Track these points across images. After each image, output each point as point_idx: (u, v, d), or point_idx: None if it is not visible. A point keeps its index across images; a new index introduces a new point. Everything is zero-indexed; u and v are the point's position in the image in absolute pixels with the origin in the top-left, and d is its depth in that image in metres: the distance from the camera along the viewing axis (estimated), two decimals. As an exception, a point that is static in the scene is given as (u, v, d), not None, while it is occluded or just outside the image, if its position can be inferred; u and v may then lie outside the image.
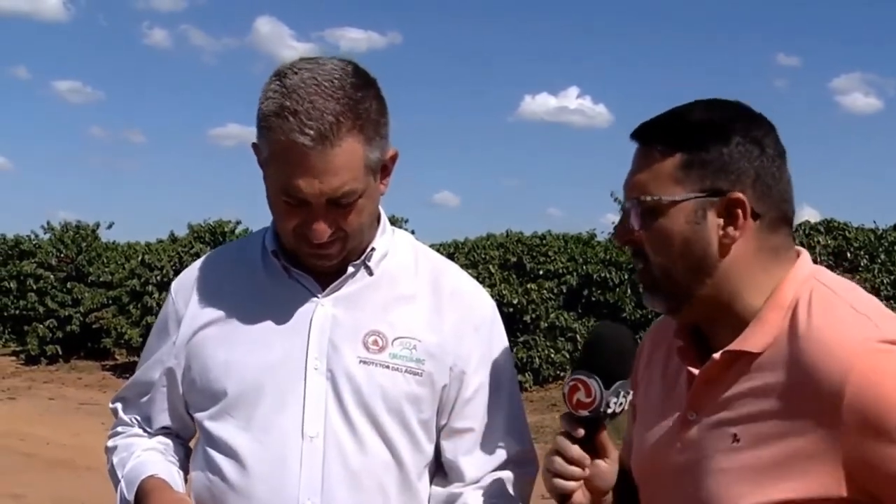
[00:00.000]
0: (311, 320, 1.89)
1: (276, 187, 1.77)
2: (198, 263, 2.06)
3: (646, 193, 1.60)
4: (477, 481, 1.94)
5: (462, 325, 1.94)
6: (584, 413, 1.69)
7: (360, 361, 1.86)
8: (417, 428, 1.91)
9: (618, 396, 1.69)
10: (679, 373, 1.71)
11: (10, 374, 17.21)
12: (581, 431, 1.70)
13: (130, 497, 1.90)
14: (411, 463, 1.91)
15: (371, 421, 1.86)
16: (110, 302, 17.95)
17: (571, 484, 1.71)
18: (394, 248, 1.98)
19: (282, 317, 1.90)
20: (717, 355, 1.61)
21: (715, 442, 1.60)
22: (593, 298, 15.78)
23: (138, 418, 2.06)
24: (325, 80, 1.72)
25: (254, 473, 1.84)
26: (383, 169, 1.85)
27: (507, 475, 1.95)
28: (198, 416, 1.95)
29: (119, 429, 2.09)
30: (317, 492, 1.82)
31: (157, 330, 2.04)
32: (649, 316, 15.78)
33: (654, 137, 1.63)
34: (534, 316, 14.74)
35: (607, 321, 1.92)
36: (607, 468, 1.75)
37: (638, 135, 1.66)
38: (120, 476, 1.97)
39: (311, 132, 1.69)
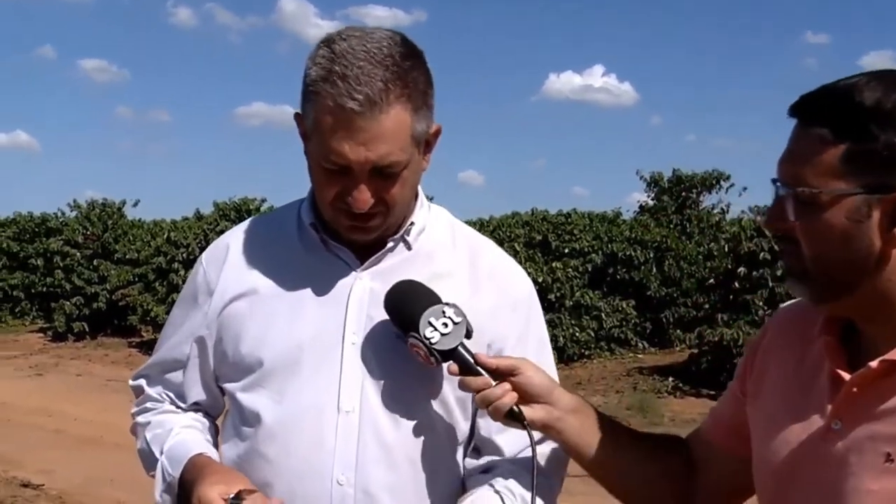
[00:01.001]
0: (349, 294, 1.87)
1: (321, 154, 1.74)
2: (229, 234, 2.02)
3: (803, 184, 1.44)
4: (511, 455, 1.93)
5: (499, 304, 1.92)
6: (433, 359, 1.76)
7: (397, 336, 1.83)
8: (454, 405, 1.89)
9: (431, 326, 1.75)
10: (819, 370, 1.57)
11: (38, 351, 17.38)
12: (454, 367, 1.76)
13: (175, 474, 1.85)
14: (446, 440, 1.90)
15: (407, 397, 1.84)
16: (136, 279, 18.07)
17: (504, 400, 1.72)
18: (431, 223, 1.95)
19: (319, 290, 1.88)
20: (874, 364, 1.45)
21: (864, 459, 1.44)
22: (618, 277, 15.76)
23: (169, 394, 2.01)
24: (374, 48, 1.70)
25: (287, 447, 1.82)
26: (426, 144, 1.83)
27: (542, 448, 1.91)
28: (229, 388, 1.92)
29: (148, 405, 2.03)
30: (351, 467, 1.80)
31: (184, 302, 2.00)
32: (674, 294, 15.74)
33: (818, 118, 1.44)
34: (559, 294, 14.72)
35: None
36: (522, 378, 1.75)
37: (798, 111, 1.48)
38: (158, 454, 1.92)
39: (360, 97, 1.67)
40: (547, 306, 14.29)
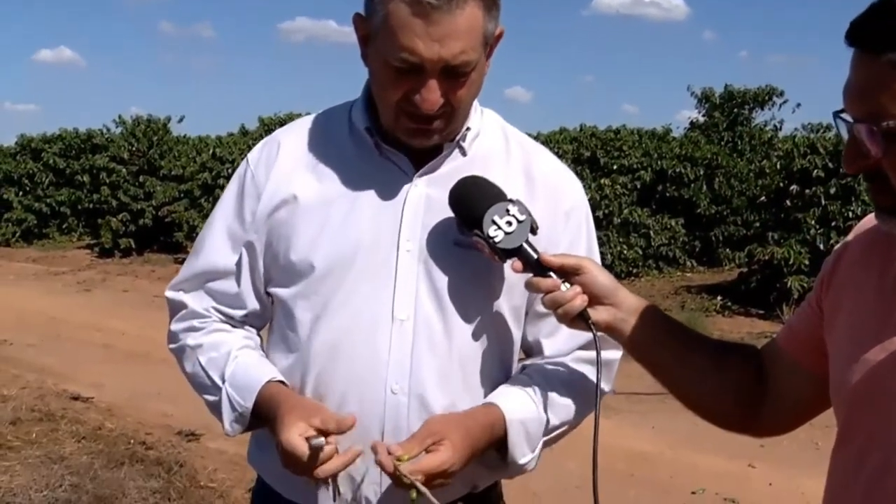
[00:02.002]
0: (404, 200, 1.83)
1: (389, 52, 1.67)
2: (277, 136, 1.95)
3: (885, 116, 1.34)
4: (556, 356, 1.94)
5: (554, 211, 1.89)
6: (496, 257, 1.76)
7: (455, 243, 1.82)
8: (508, 314, 1.88)
9: (495, 224, 1.74)
10: None
11: (86, 267, 17.67)
12: (518, 265, 1.75)
13: (248, 405, 1.81)
14: (498, 349, 1.89)
15: (462, 305, 1.83)
16: (182, 195, 18.22)
17: (576, 303, 1.72)
18: (484, 128, 1.91)
19: (373, 195, 1.84)
20: None
21: None
22: (667, 194, 15.60)
23: (217, 307, 1.94)
24: None
25: (340, 357, 1.80)
26: (490, 47, 1.78)
27: (589, 354, 1.92)
28: (279, 294, 1.87)
29: (195, 323, 1.94)
30: (405, 376, 1.80)
31: (229, 206, 1.93)
32: (724, 212, 15.59)
33: (884, 43, 1.33)
34: (607, 212, 14.63)
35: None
36: (587, 278, 1.74)
37: (858, 39, 1.36)
38: (219, 380, 1.86)
39: None
40: (595, 223, 14.23)
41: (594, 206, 14.58)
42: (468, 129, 1.86)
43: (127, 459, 5.98)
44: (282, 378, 1.84)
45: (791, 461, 6.08)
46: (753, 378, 1.77)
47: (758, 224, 13.07)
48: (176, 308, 1.98)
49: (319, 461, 1.65)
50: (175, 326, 1.97)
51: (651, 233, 14.98)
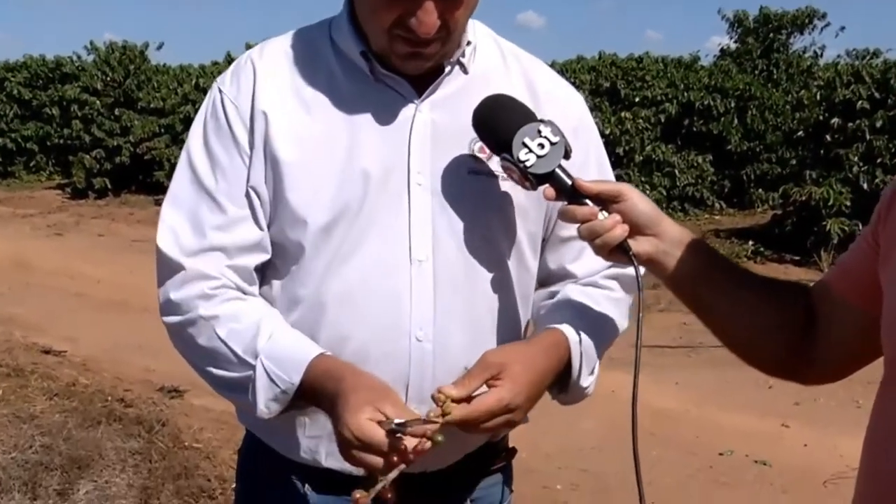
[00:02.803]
0: (410, 128, 1.82)
1: None
2: (251, 61, 1.88)
3: None
4: (589, 276, 1.97)
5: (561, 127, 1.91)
6: (528, 182, 1.75)
7: (469, 172, 1.82)
8: (526, 244, 1.90)
9: (525, 147, 1.72)
10: None
11: (57, 209, 17.68)
12: (550, 191, 1.75)
13: (294, 380, 1.72)
14: (520, 283, 1.92)
15: (482, 238, 1.85)
16: (162, 130, 18.17)
17: (615, 232, 1.71)
18: (479, 42, 1.91)
19: (375, 126, 1.81)
20: None
21: None
22: (694, 129, 15.54)
23: (231, 264, 1.83)
24: None
25: (356, 306, 1.79)
26: None
27: (618, 272, 1.96)
28: (283, 242, 1.84)
29: (207, 289, 1.81)
30: (428, 321, 1.81)
31: (217, 146, 1.85)
32: (757, 149, 15.53)
33: None
34: (627, 148, 14.60)
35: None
36: (626, 205, 1.74)
37: None
38: (248, 355, 1.77)
39: None
40: (615, 161, 14.19)
41: (614, 142, 14.56)
42: (468, 43, 1.85)
43: (104, 418, 5.98)
44: (327, 353, 1.76)
45: (828, 420, 6.13)
46: (804, 318, 1.77)
47: (794, 161, 13.04)
48: (173, 269, 1.83)
49: (397, 450, 1.57)
50: (179, 294, 1.82)
51: (676, 172, 14.95)
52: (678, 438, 6.06)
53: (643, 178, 14.57)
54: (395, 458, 1.56)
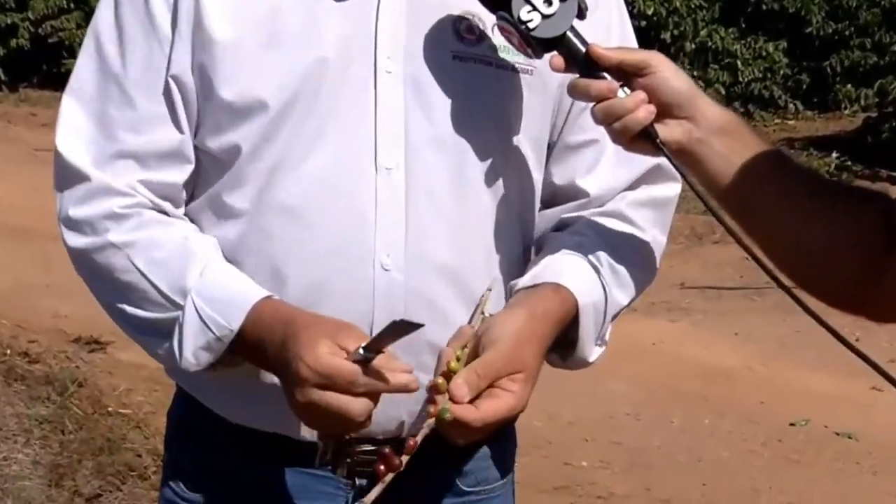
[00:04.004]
0: (377, 4, 1.81)
1: None
2: None
3: None
4: (600, 201, 1.95)
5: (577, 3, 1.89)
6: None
7: (454, 57, 1.82)
8: (527, 149, 1.89)
9: (528, 4, 1.71)
10: None
11: (-63, 108, 17.59)
12: (558, 60, 1.74)
13: (233, 325, 1.74)
14: (516, 200, 1.92)
15: (469, 140, 1.84)
16: (71, 5, 18.06)
17: (638, 115, 1.70)
18: None
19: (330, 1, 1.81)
20: None
21: None
22: (764, 7, 15.46)
23: (146, 179, 1.83)
24: None
25: (305, 226, 1.80)
26: None
27: (646, 194, 1.95)
28: (212, 146, 1.84)
29: (116, 207, 1.81)
30: (398, 244, 1.81)
31: (132, 28, 1.83)
32: (846, 33, 15.44)
33: None
34: (676, 33, 14.54)
35: None
36: (655, 80, 1.73)
37: None
38: (174, 292, 1.78)
39: None
40: (660, 49, 14.12)
41: (659, 26, 14.48)
42: None
43: (2, 377, 6.03)
44: (275, 296, 1.78)
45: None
46: (884, 237, 1.75)
47: (894, 48, 12.97)
48: (74, 177, 1.84)
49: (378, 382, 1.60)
50: (80, 211, 1.83)
51: (739, 63, 14.91)
52: (738, 404, 6.11)
53: (696, 72, 14.51)
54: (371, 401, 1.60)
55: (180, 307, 1.76)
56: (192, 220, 1.88)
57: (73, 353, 6.58)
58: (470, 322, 1.81)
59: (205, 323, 1.75)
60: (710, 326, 7.04)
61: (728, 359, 6.66)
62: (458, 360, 1.70)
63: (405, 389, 1.62)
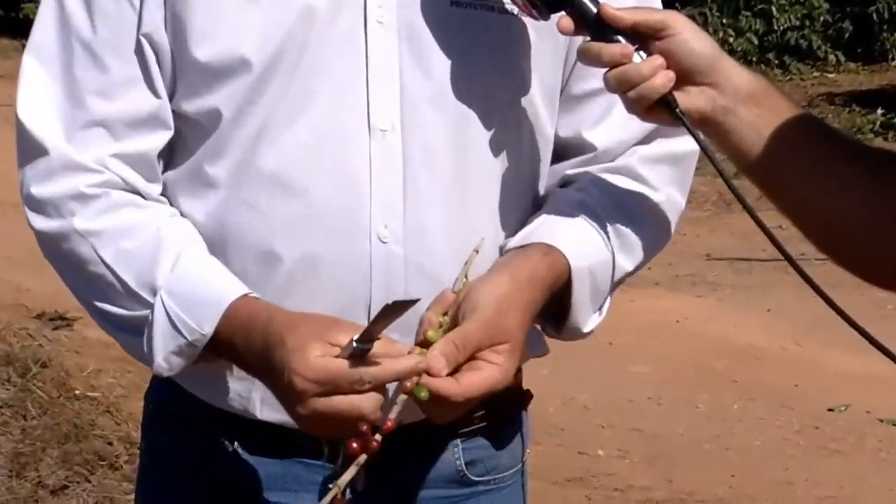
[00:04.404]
0: None
1: None
2: None
3: None
4: (608, 156, 1.96)
5: None
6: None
7: (452, 3, 1.80)
8: (539, 100, 1.89)
9: None
10: None
11: None
12: (567, 21, 1.73)
13: (206, 329, 1.72)
14: (528, 161, 1.92)
15: (472, 96, 1.83)
16: (34, -55, 18.07)
17: (656, 81, 1.69)
18: None
19: None
20: None
21: None
22: (802, -53, 15.45)
23: (116, 151, 1.82)
24: None
25: (292, 196, 1.80)
26: None
27: (660, 149, 1.95)
28: (189, 111, 1.83)
29: (83, 186, 1.81)
30: (396, 213, 1.81)
31: None
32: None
33: None
34: (704, -25, 14.52)
35: None
36: (674, 43, 1.71)
37: None
38: (143, 289, 1.77)
39: None
40: (685, -6, 14.14)
41: (685, -34, 14.45)
42: None
43: (-44, 357, 6.05)
44: (255, 293, 1.77)
45: None
46: None
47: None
48: (36, 151, 1.83)
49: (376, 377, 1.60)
50: (43, 189, 1.83)
51: (774, 9, 14.90)
52: (770, 387, 6.13)
53: (725, 21, 14.54)
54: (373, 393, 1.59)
55: (150, 305, 1.75)
56: (169, 193, 1.87)
57: (36, 331, 6.59)
58: (454, 286, 1.78)
59: (175, 326, 1.74)
60: (739, 302, 7.05)
61: (759, 337, 6.67)
62: (439, 327, 1.69)
63: (413, 372, 1.61)
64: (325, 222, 1.79)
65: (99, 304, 1.82)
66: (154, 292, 1.75)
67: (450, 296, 1.75)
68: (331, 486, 1.61)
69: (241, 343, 1.71)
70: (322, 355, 1.58)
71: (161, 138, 1.84)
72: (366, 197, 1.79)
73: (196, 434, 1.96)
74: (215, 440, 1.93)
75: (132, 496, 5.02)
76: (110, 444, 5.21)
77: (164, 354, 1.76)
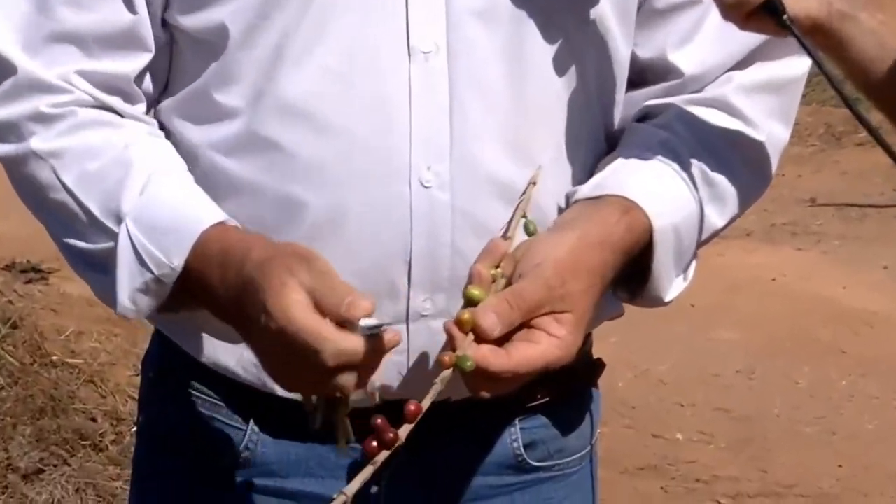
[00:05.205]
0: None
1: None
2: None
3: None
4: (698, 83, 1.94)
5: None
6: None
7: None
8: (613, 17, 1.87)
9: None
10: None
11: None
12: None
13: (176, 261, 1.72)
14: (598, 88, 1.91)
15: (530, 9, 1.82)
16: None
17: None
18: None
19: None
20: None
21: None
22: None
23: (84, 68, 1.83)
24: None
25: (318, 129, 1.79)
26: None
27: (759, 76, 1.94)
28: (191, 28, 1.83)
29: (44, 106, 1.81)
30: (442, 154, 1.80)
31: None
32: None
33: None
34: None
35: None
36: None
37: None
38: (107, 217, 1.78)
39: None
40: None
41: None
42: None
43: (-85, 315, 6.10)
44: (232, 220, 1.76)
45: None
46: None
47: None
48: (2, 69, 1.85)
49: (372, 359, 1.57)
50: (4, 111, 1.85)
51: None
52: (886, 360, 6.07)
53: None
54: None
55: (115, 235, 1.76)
56: (165, 123, 1.88)
57: (6, 284, 6.61)
58: (506, 233, 1.78)
59: (140, 258, 1.75)
60: (849, 257, 7.00)
61: (872, 300, 6.59)
62: (492, 282, 1.67)
63: (463, 328, 1.61)
64: (357, 163, 1.78)
65: (66, 240, 1.83)
66: (120, 220, 1.75)
67: (501, 244, 1.74)
68: (335, 495, 1.59)
69: (214, 278, 1.71)
70: (302, 302, 1.55)
71: (137, 61, 1.84)
72: (405, 133, 1.78)
73: (201, 408, 1.96)
74: (227, 417, 1.94)
75: (118, 482, 5.08)
76: (93, 420, 5.22)
77: (129, 292, 1.76)
